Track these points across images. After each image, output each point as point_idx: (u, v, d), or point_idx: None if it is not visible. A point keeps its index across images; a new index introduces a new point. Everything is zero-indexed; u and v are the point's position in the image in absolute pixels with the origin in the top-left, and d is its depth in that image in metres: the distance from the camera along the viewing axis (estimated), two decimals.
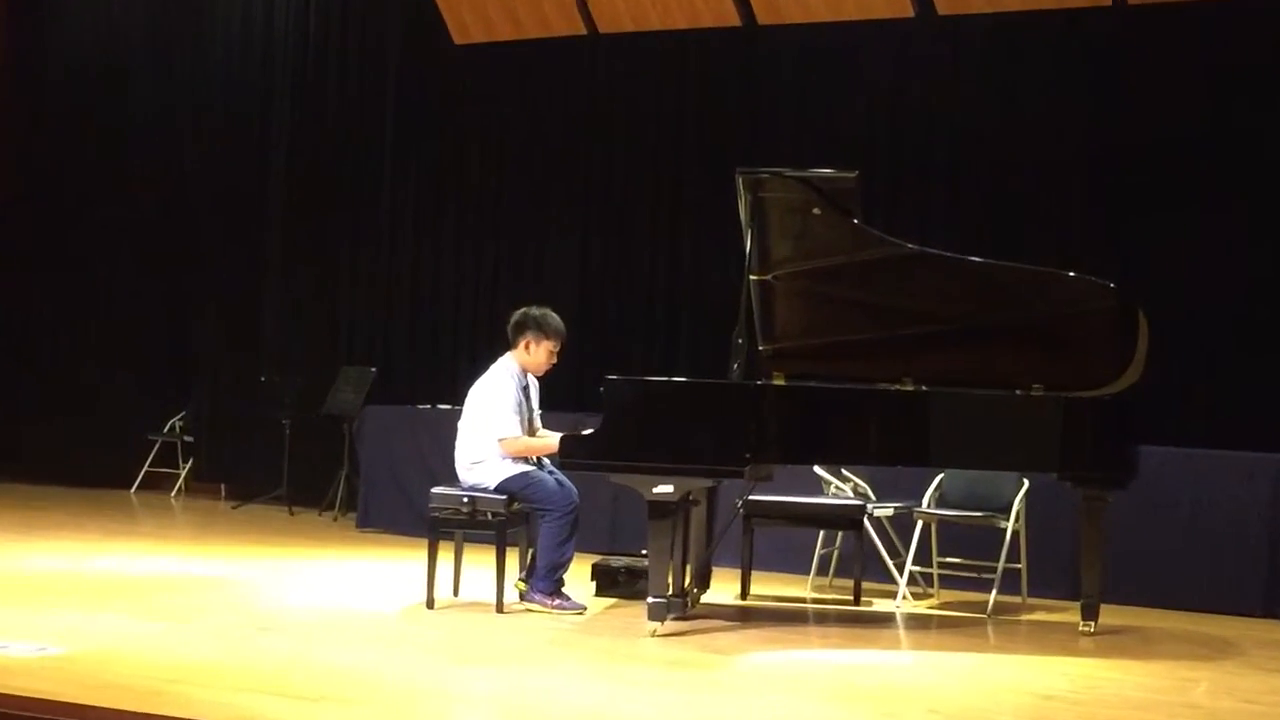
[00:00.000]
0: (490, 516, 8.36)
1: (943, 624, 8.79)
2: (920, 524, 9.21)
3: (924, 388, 8.16)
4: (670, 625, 7.88)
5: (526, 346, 8.49)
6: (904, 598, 9.18)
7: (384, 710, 6.03)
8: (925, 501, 9.22)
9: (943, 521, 9.23)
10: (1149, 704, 6.69)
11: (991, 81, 11.46)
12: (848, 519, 9.23)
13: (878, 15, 11.69)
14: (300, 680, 6.48)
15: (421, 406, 12.31)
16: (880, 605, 9.20)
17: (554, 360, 8.56)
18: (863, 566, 9.27)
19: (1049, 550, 9.42)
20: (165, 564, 9.88)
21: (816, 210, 8.02)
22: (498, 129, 13.36)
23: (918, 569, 9.33)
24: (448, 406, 11.60)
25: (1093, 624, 8.21)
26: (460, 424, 8.52)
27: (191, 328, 14.72)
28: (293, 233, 14.16)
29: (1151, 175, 10.82)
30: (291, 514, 12.91)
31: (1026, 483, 8.96)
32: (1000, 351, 8.26)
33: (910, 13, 11.61)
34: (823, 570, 9.77)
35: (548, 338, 8.49)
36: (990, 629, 8.62)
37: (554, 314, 8.56)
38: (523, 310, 8.59)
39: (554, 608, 8.32)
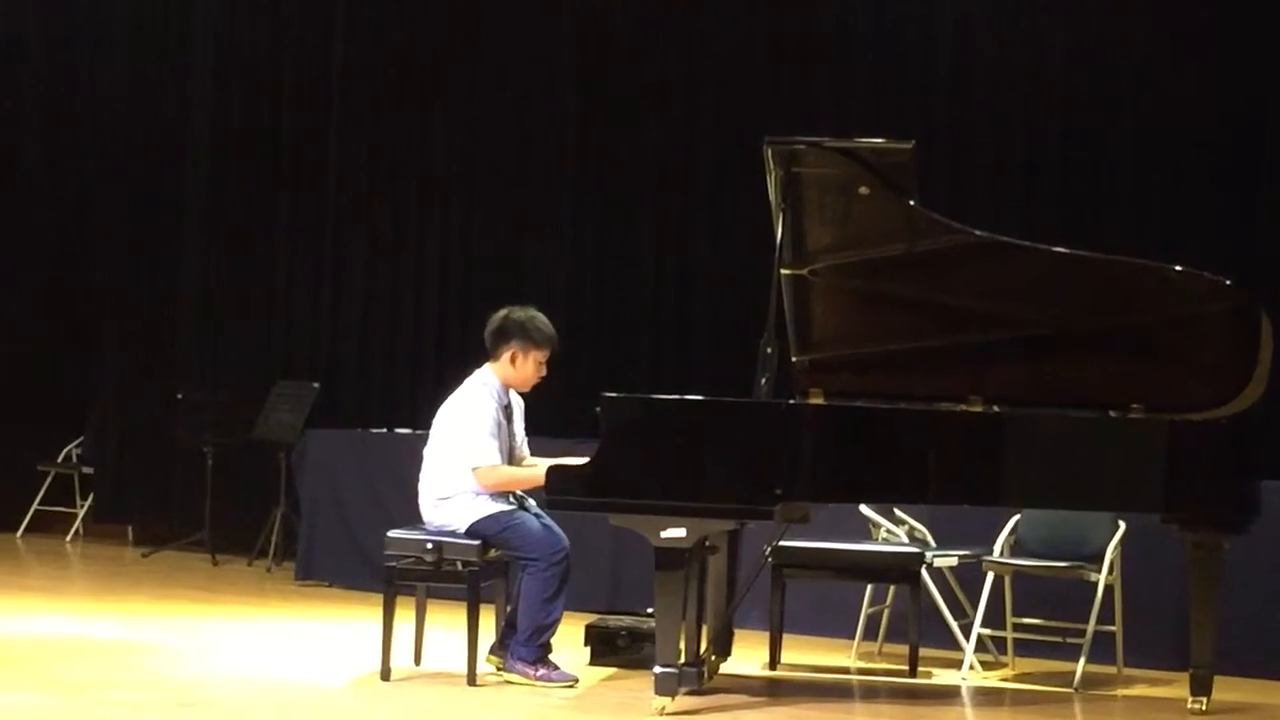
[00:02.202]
0: (460, 566, 8.33)
1: (1019, 700, 8.76)
2: (991, 576, 9.17)
3: (996, 408, 8.14)
4: (682, 700, 7.84)
5: (512, 359, 8.45)
6: (971, 667, 9.15)
7: None
8: (997, 549, 9.18)
9: (1019, 573, 9.19)
10: None
11: (1081, 31, 11.44)
12: (902, 570, 9.20)
13: None
14: None
15: (375, 431, 12.29)
16: (942, 677, 9.17)
17: (543, 373, 8.54)
18: (920, 629, 9.23)
19: (1150, 609, 9.36)
20: (60, 625, 9.85)
21: (864, 189, 8.01)
22: (467, 93, 13.35)
23: (988, 632, 9.29)
24: (407, 431, 11.60)
25: (1204, 700, 8.15)
26: (426, 452, 8.49)
27: (91, 335, 14.69)
28: (216, 219, 14.15)
29: None
30: (215, 563, 12.88)
31: (1123, 526, 8.92)
32: (1091, 363, 8.24)
33: None
34: (871, 633, 9.74)
35: (536, 346, 8.46)
36: (1078, 706, 8.59)
37: (541, 316, 8.54)
38: (504, 313, 8.56)
39: (539, 679, 8.28)
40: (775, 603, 9.21)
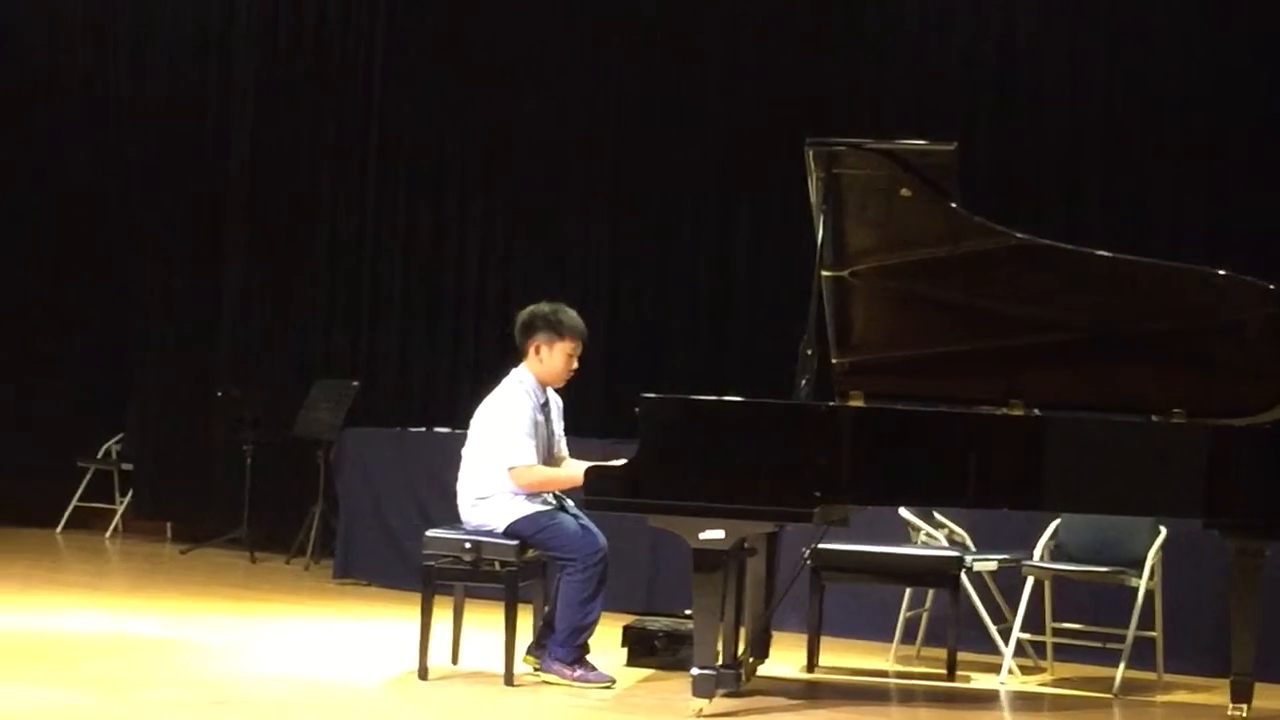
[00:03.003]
0: (498, 566, 8.33)
1: (1058, 705, 8.74)
2: (1031, 581, 9.14)
3: (1037, 412, 8.11)
4: (720, 703, 7.84)
5: (537, 351, 8.47)
6: (1010, 672, 9.12)
7: None
8: (1037, 553, 9.16)
9: (1059, 578, 9.16)
10: None
11: (1125, 34, 11.41)
12: (941, 574, 9.18)
13: None
14: None
15: (414, 430, 12.29)
16: (980, 681, 9.15)
17: (574, 366, 8.54)
18: (959, 633, 9.22)
19: (1191, 615, 9.34)
20: (98, 621, 9.87)
21: (906, 191, 7.97)
22: (507, 90, 13.36)
23: (1027, 637, 9.27)
24: (446, 430, 11.60)
25: (1245, 707, 8.10)
26: (465, 451, 8.49)
27: (132, 332, 14.74)
28: (257, 218, 14.19)
29: None
30: (253, 560, 12.91)
31: (1164, 531, 8.89)
32: (1133, 368, 8.21)
33: None
34: (909, 637, 9.72)
35: (562, 338, 8.46)
36: (1118, 712, 8.57)
37: (569, 309, 8.56)
38: (529, 309, 8.58)
39: (576, 680, 8.28)
40: (814, 605, 9.21)
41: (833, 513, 8.01)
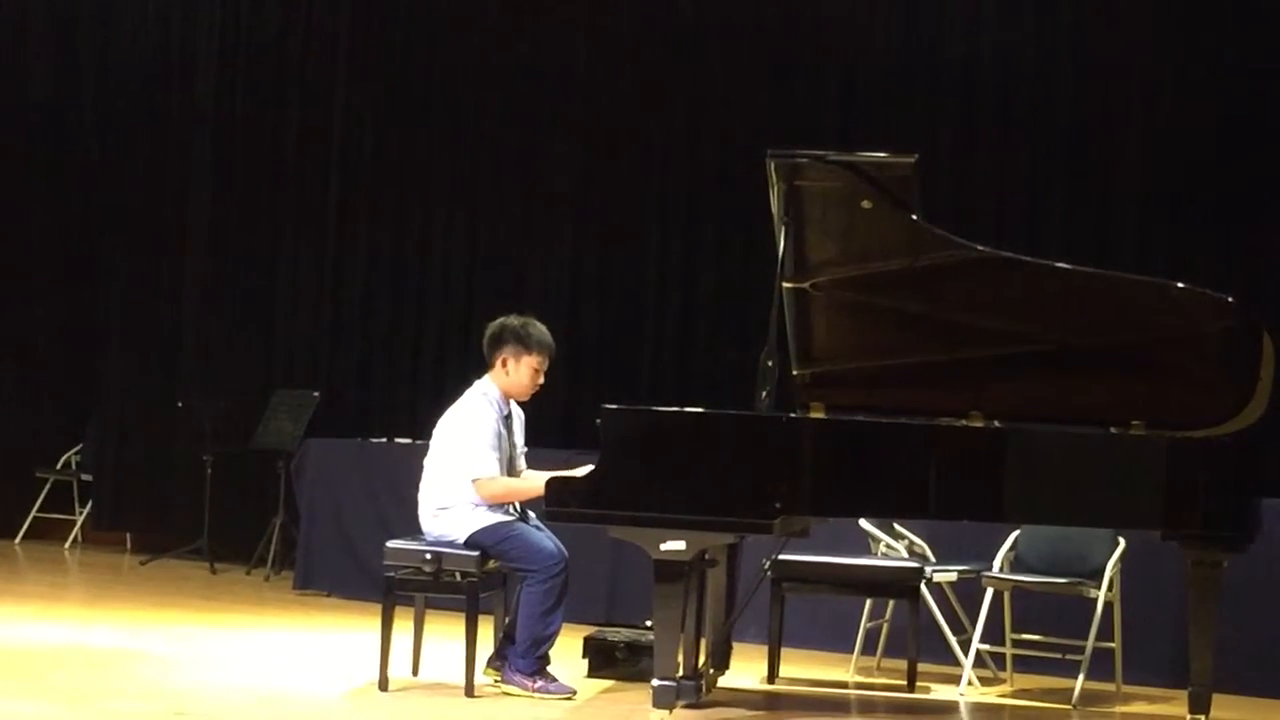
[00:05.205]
0: (459, 577, 8.33)
1: (1017, 716, 8.77)
2: (990, 592, 9.17)
3: (997, 424, 8.13)
4: (680, 714, 7.84)
5: (504, 365, 8.49)
6: (970, 683, 9.15)
7: None
8: (997, 564, 9.18)
9: (1018, 589, 9.19)
10: None
11: (1089, 48, 11.46)
12: (901, 585, 9.20)
13: None
14: None
15: (375, 440, 12.28)
16: (940, 692, 9.17)
17: (540, 380, 8.56)
18: (919, 644, 9.23)
19: (1150, 626, 9.38)
20: (58, 632, 9.83)
21: (866, 203, 7.99)
22: (472, 102, 13.37)
23: (987, 648, 9.30)
24: (407, 440, 11.60)
25: (1203, 717, 8.10)
26: (426, 462, 8.51)
27: (92, 342, 14.70)
28: (218, 228, 14.15)
29: None
30: (214, 571, 12.87)
31: (1123, 543, 8.93)
32: (1092, 380, 8.21)
33: None
34: (869, 648, 9.74)
35: (530, 352, 8.48)
36: None
37: (538, 324, 8.57)
38: (499, 322, 8.60)
39: (536, 691, 8.29)
40: (774, 616, 9.21)
41: (793, 524, 8.03)
